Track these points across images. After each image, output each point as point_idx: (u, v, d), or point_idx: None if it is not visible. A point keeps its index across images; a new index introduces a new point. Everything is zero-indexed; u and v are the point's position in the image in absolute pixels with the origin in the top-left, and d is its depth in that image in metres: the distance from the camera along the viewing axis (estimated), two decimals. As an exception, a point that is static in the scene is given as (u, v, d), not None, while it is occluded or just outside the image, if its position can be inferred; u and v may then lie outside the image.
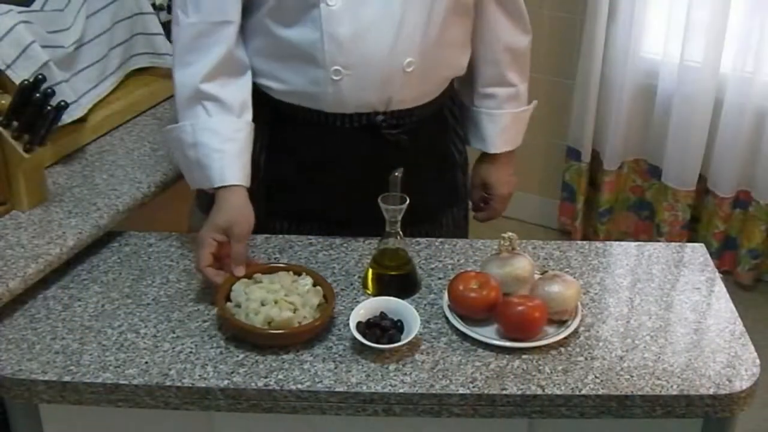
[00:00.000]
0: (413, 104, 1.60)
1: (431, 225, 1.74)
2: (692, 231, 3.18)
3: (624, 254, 1.63)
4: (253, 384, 1.30)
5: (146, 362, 1.34)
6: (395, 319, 1.39)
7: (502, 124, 1.77)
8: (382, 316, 1.39)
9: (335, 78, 1.52)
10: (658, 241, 3.12)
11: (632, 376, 1.32)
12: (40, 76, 1.54)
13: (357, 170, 1.59)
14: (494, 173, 1.81)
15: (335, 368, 1.33)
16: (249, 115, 1.56)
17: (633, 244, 1.66)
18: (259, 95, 1.61)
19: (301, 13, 1.50)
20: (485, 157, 1.81)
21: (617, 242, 1.68)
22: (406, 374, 1.32)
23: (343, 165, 1.61)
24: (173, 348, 1.37)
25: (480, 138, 1.78)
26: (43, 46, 1.66)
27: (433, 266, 1.56)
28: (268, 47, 1.57)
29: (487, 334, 1.39)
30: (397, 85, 1.55)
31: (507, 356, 1.36)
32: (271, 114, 1.63)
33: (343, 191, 1.61)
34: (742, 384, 1.31)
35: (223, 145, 1.50)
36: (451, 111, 1.74)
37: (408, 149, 1.61)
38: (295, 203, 1.67)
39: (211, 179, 1.50)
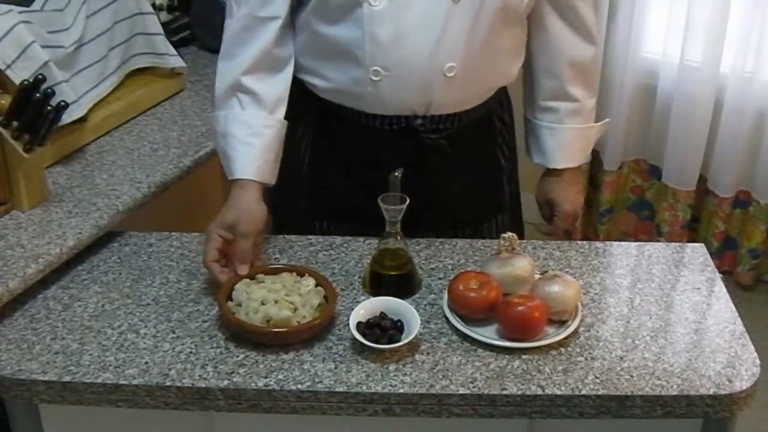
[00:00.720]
0: (455, 110, 1.59)
1: (472, 231, 1.72)
2: (692, 231, 3.18)
3: (624, 254, 1.63)
4: (253, 384, 1.30)
5: (146, 362, 1.34)
6: (395, 319, 1.39)
7: (563, 139, 1.72)
8: (382, 316, 1.39)
9: (375, 78, 1.52)
10: (658, 241, 3.12)
11: (632, 376, 1.32)
12: (40, 76, 1.54)
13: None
14: (557, 189, 1.75)
15: (335, 368, 1.33)
16: (282, 113, 1.57)
17: (633, 244, 1.66)
18: (306, 92, 1.63)
19: (344, 12, 1.50)
20: (548, 174, 1.76)
21: (617, 242, 1.68)
22: (406, 374, 1.32)
23: (382, 166, 1.60)
24: (173, 348, 1.37)
25: (540, 152, 1.75)
26: (43, 46, 1.66)
27: (433, 266, 1.56)
28: (312, 44, 1.58)
29: (487, 334, 1.38)
30: (437, 89, 1.54)
31: (507, 356, 1.36)
32: (316, 111, 1.64)
33: (380, 191, 1.61)
34: (742, 384, 1.31)
35: (250, 138, 1.52)
36: (500, 116, 1.72)
37: (449, 154, 1.61)
38: (335, 201, 1.68)
39: (231, 170, 1.52)
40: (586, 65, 1.70)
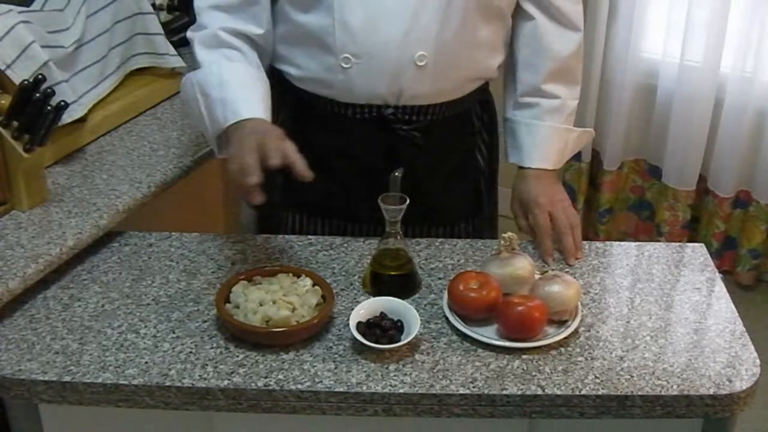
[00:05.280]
0: (428, 101, 1.58)
1: (445, 230, 1.72)
2: (692, 231, 3.18)
3: (624, 254, 1.62)
4: (253, 384, 1.30)
5: (146, 362, 1.34)
6: (395, 319, 1.39)
7: (541, 136, 1.66)
8: (382, 316, 1.39)
9: (345, 66, 1.53)
10: (658, 241, 3.12)
11: (632, 376, 1.32)
12: (40, 76, 1.54)
13: (369, 164, 1.58)
14: (533, 189, 1.64)
15: (335, 368, 1.33)
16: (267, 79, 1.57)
17: (633, 244, 1.66)
18: (283, 82, 1.63)
19: None
20: (522, 174, 1.68)
21: (617, 242, 1.67)
22: (406, 374, 1.32)
23: (355, 157, 1.60)
24: (173, 348, 1.37)
25: (516, 149, 1.69)
26: (43, 46, 1.66)
27: (433, 266, 1.56)
28: (287, 33, 1.59)
29: (487, 334, 1.38)
30: (407, 78, 1.53)
31: (507, 356, 1.36)
32: (292, 102, 1.64)
33: (355, 184, 1.60)
34: (742, 384, 1.31)
35: (252, 83, 1.51)
36: (479, 116, 1.70)
37: (423, 147, 1.61)
38: (309, 195, 1.66)
39: (236, 112, 1.46)
40: (569, 61, 1.66)
